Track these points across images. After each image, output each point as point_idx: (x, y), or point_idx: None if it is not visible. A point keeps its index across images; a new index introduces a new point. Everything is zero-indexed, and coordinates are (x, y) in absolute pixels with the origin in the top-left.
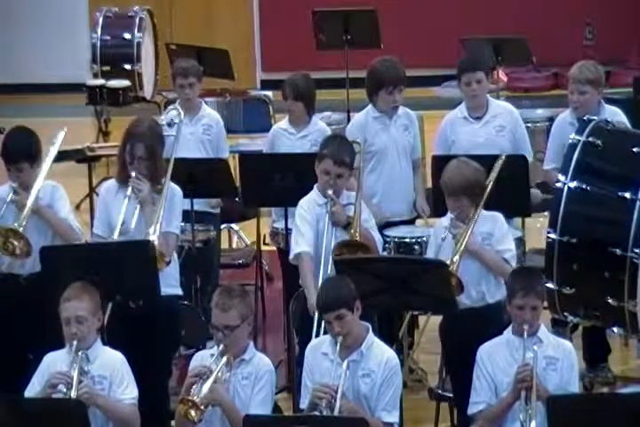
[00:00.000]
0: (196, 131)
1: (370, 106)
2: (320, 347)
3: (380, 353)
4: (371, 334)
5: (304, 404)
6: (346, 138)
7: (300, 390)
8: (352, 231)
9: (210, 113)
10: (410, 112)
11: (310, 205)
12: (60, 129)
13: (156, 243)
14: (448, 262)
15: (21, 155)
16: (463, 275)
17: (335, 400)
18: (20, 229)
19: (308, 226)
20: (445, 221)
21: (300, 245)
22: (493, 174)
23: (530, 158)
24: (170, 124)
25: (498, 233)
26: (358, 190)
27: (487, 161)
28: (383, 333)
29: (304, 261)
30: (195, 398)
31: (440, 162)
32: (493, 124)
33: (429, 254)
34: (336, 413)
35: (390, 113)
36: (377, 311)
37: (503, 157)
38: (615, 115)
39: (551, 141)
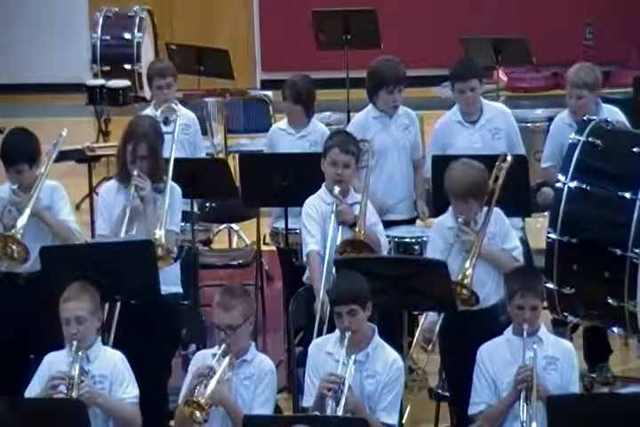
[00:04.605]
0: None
1: (370, 106)
2: (325, 346)
3: (385, 355)
4: (376, 335)
5: (308, 402)
6: (350, 133)
7: (300, 390)
8: (357, 230)
9: (186, 113)
10: (410, 111)
11: (317, 203)
12: (61, 130)
13: (162, 241)
14: (462, 273)
15: (20, 156)
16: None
17: (342, 392)
18: (20, 233)
19: (316, 225)
20: (448, 221)
21: (308, 245)
22: (500, 174)
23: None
24: (165, 122)
25: (501, 231)
26: (364, 190)
27: (487, 161)
28: (383, 333)
29: (313, 260)
30: (199, 398)
31: (441, 162)
32: (489, 128)
33: (430, 255)
34: (342, 405)
35: (390, 113)
36: (377, 311)
37: (509, 157)
38: (614, 114)
39: (549, 140)
